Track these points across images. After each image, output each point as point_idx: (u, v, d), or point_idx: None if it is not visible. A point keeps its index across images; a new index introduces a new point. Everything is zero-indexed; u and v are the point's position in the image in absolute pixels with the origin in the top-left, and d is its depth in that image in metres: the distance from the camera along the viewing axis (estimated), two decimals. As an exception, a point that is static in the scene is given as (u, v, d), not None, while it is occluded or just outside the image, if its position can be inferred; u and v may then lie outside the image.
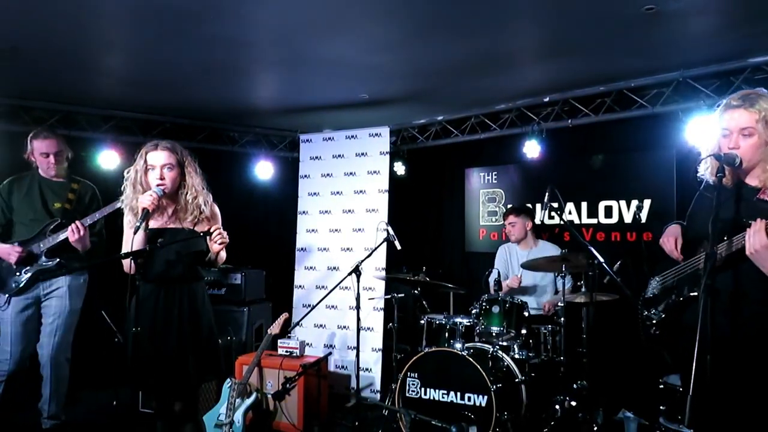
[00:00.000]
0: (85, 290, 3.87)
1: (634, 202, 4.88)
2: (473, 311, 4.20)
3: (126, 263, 2.63)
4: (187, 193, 2.74)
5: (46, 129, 3.92)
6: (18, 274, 3.62)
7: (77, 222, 3.46)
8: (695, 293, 2.06)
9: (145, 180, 2.70)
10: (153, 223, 2.72)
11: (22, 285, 3.62)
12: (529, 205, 5.26)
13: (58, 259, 3.64)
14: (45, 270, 3.64)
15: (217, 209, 2.90)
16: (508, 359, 3.87)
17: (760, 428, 1.98)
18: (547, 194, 3.70)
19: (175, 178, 2.72)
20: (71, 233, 3.45)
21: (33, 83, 4.69)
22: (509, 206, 5.19)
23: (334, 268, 5.45)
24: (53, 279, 3.70)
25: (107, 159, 5.22)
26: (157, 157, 2.69)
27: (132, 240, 2.58)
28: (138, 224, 2.54)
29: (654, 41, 3.78)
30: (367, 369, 5.11)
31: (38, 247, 3.61)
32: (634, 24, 3.47)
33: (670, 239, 2.26)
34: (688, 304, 2.14)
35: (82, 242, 3.50)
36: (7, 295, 3.62)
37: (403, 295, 4.83)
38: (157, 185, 2.66)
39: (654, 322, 2.27)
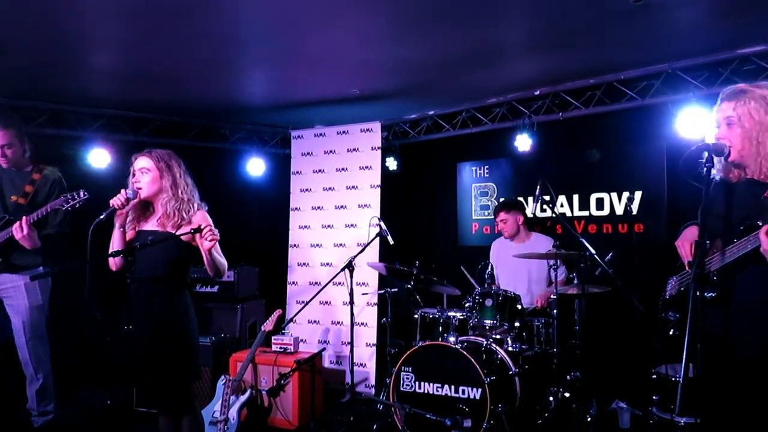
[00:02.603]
0: (48, 285, 3.77)
1: (626, 194, 4.90)
2: (467, 305, 4.21)
3: (111, 262, 2.84)
4: (169, 199, 2.81)
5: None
6: None
7: (24, 218, 3.37)
8: (711, 294, 2.06)
9: (131, 185, 2.86)
10: (143, 226, 2.88)
11: None
12: (521, 199, 5.27)
13: (0, 259, 3.57)
14: None
15: (204, 216, 2.88)
16: (501, 352, 3.89)
17: None
18: (538, 188, 3.71)
19: (150, 182, 2.82)
20: (16, 231, 3.36)
21: (21, 82, 4.64)
22: (501, 201, 5.19)
23: (327, 263, 5.44)
24: (3, 278, 3.64)
25: (97, 157, 5.18)
26: (137, 163, 2.87)
27: (113, 239, 2.81)
28: (100, 217, 2.64)
29: (642, 33, 3.78)
30: (361, 364, 5.11)
31: None
32: (623, 16, 3.48)
33: (686, 244, 2.23)
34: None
35: (29, 240, 3.41)
36: None
37: (396, 289, 4.84)
38: (133, 188, 2.82)
39: (672, 323, 2.25)
